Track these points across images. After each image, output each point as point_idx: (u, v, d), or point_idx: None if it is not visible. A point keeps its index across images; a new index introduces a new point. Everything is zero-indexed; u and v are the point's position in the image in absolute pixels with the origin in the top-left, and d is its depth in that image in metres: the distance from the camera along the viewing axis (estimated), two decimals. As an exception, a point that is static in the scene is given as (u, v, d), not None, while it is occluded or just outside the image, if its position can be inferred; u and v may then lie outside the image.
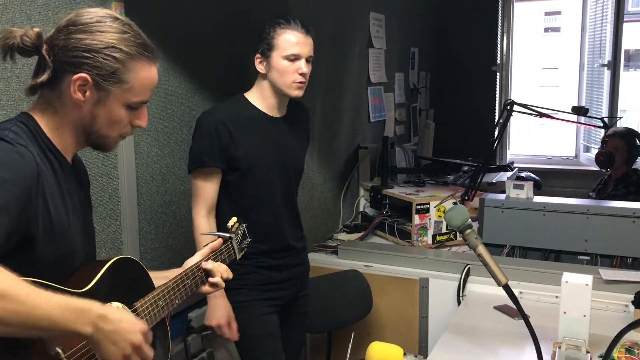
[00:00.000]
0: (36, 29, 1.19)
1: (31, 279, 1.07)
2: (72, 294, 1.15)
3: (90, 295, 1.19)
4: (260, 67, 2.07)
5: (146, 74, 1.27)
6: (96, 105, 1.23)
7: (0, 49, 1.18)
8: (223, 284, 1.56)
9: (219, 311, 2.04)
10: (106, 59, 1.20)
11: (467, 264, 2.60)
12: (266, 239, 2.10)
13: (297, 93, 2.07)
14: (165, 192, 2.27)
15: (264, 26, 2.05)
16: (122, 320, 1.13)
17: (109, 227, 2.02)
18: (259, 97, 2.11)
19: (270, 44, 2.02)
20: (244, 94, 2.14)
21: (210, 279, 1.54)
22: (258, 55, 2.06)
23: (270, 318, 2.14)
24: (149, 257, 2.20)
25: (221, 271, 1.55)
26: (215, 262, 1.58)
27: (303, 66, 2.03)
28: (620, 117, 4.89)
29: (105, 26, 1.22)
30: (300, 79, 2.04)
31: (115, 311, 1.14)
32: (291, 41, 2.02)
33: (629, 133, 3.81)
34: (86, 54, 1.19)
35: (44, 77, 1.20)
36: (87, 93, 1.22)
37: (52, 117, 1.24)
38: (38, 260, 1.15)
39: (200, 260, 1.54)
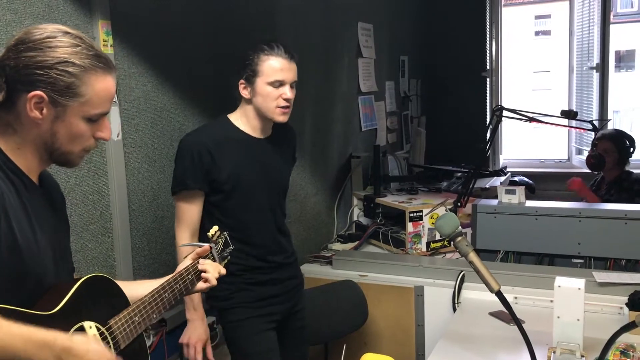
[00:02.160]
0: None
1: None
2: (40, 317, 1.13)
3: (60, 316, 1.17)
4: (244, 93, 2.08)
5: (102, 85, 1.25)
6: (55, 121, 1.22)
7: None
8: (215, 281, 1.61)
9: (198, 331, 2.06)
10: (60, 74, 1.19)
11: (462, 271, 2.60)
12: (253, 257, 2.12)
13: (282, 118, 2.09)
14: (157, 208, 2.27)
15: (248, 52, 2.06)
16: (88, 352, 1.12)
17: (102, 245, 2.02)
18: (243, 119, 2.12)
19: (255, 70, 2.03)
20: (228, 116, 2.15)
21: (203, 274, 1.58)
22: (242, 81, 2.07)
23: (268, 334, 2.14)
24: (143, 273, 2.19)
25: (213, 268, 1.61)
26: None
27: (287, 91, 2.05)
28: (610, 120, 4.91)
29: (56, 41, 1.20)
30: (284, 104, 2.06)
31: (82, 342, 1.12)
32: (275, 67, 2.03)
33: (618, 135, 3.82)
34: (39, 71, 1.18)
35: (0, 99, 1.18)
36: (44, 110, 1.20)
37: (12, 137, 1.22)
38: (3, 282, 1.13)
39: (194, 263, 1.59)
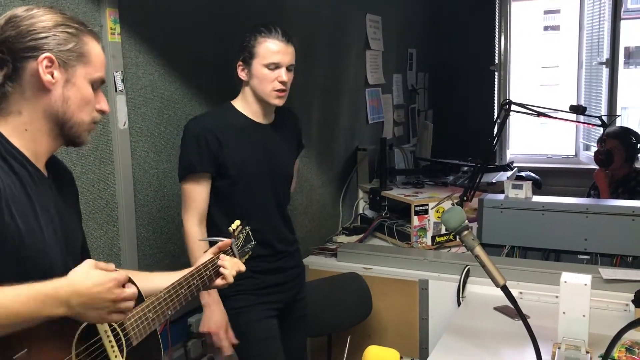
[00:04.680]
0: None
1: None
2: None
3: None
4: (242, 75, 2.09)
5: (97, 49, 1.28)
6: (66, 85, 1.22)
7: None
8: (232, 279, 1.60)
9: (216, 317, 2.04)
10: (62, 34, 1.20)
11: (467, 265, 2.59)
12: (258, 244, 2.10)
13: (278, 102, 2.08)
14: (162, 198, 2.26)
15: (246, 34, 2.06)
16: (93, 286, 1.10)
17: (107, 234, 2.02)
18: (245, 104, 2.12)
19: (252, 52, 2.04)
20: (231, 102, 2.15)
21: (221, 270, 1.57)
22: (240, 63, 2.07)
23: (270, 321, 2.15)
24: (147, 262, 2.19)
25: (232, 265, 1.60)
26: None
27: (283, 74, 2.04)
28: (619, 115, 4.88)
29: (45, 11, 1.22)
30: (280, 87, 2.05)
31: (83, 278, 1.10)
32: (271, 50, 2.03)
33: (623, 132, 3.77)
34: (43, 34, 1.18)
35: (6, 71, 1.17)
36: (55, 74, 1.20)
37: (17, 119, 1.20)
38: (8, 275, 1.10)
39: (213, 258, 1.57)
